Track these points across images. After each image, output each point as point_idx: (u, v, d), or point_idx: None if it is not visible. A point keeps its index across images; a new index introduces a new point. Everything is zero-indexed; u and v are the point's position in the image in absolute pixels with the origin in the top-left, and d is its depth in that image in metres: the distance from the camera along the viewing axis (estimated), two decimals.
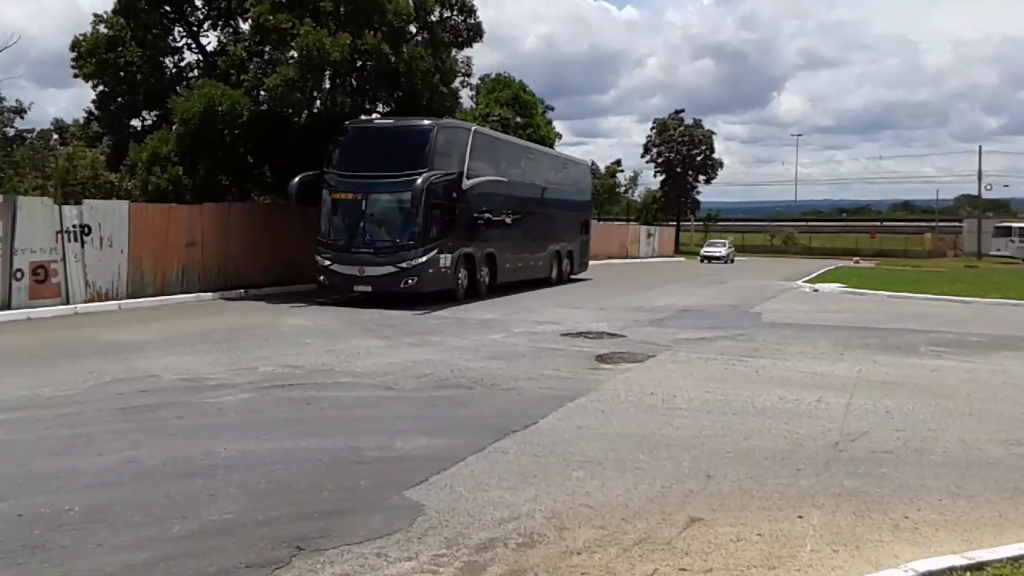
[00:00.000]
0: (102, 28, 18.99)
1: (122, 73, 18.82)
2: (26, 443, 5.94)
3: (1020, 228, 60.01)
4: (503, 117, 34.01)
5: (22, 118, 29.69)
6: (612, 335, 12.24)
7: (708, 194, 69.07)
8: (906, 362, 10.29)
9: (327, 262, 15.98)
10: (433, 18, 19.29)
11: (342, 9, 17.52)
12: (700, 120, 64.78)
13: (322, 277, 16.20)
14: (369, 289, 15.70)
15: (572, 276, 24.54)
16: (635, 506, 4.78)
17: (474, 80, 27.68)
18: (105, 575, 3.77)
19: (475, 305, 16.29)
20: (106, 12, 19.15)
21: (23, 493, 4.79)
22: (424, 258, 15.55)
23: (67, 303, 14.17)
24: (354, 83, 19.07)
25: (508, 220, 19.25)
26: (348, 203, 16.09)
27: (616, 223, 56.95)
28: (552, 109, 46.39)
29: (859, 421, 6.99)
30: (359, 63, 18.08)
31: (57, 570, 3.80)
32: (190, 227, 16.92)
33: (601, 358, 10.08)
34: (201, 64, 20.27)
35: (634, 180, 67.79)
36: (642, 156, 64.12)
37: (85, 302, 14.45)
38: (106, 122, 20.57)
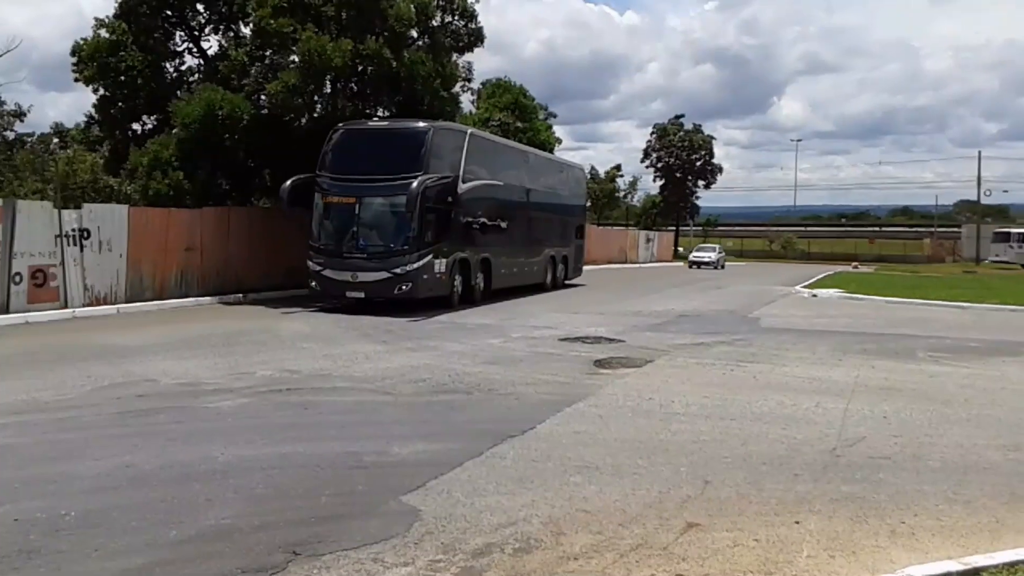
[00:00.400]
0: (103, 32, 19.03)
1: (123, 77, 18.84)
2: (23, 447, 5.94)
3: (1019, 234, 60.04)
4: (503, 122, 34.06)
5: (22, 121, 29.86)
6: (610, 340, 12.24)
7: (707, 199, 69.54)
8: (904, 367, 10.29)
9: (319, 267, 15.67)
10: (434, 23, 19.33)
11: (344, 14, 17.53)
12: (700, 125, 64.98)
13: (313, 283, 15.87)
14: (362, 295, 15.40)
15: (567, 282, 24.38)
16: (632, 511, 4.78)
17: (475, 85, 27.77)
18: None
19: (472, 310, 16.22)
20: (108, 16, 19.22)
21: (20, 497, 4.79)
22: (419, 264, 15.29)
23: (66, 307, 14.17)
24: (355, 88, 19.08)
25: (503, 225, 18.86)
26: (341, 207, 15.76)
27: (615, 228, 57.05)
28: (555, 116, 46.56)
29: (857, 426, 6.99)
30: (360, 68, 18.09)
31: (53, 575, 3.79)
32: (189, 231, 16.94)
33: (599, 363, 10.08)
34: (202, 68, 20.31)
35: (634, 185, 68.14)
36: (642, 161, 64.42)
37: (84, 306, 14.46)
38: (106, 126, 20.61)
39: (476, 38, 20.37)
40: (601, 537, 4.38)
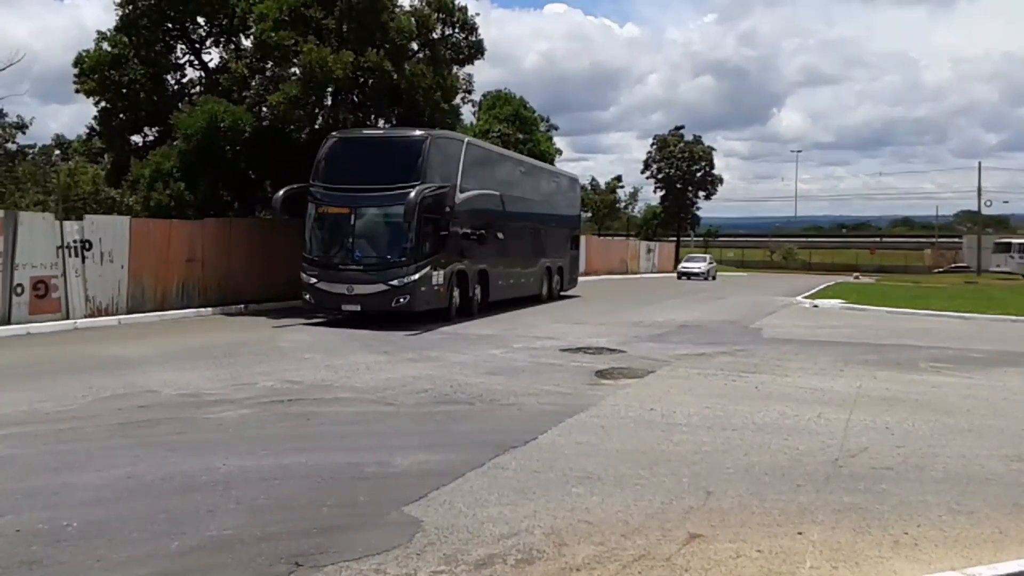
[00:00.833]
0: (105, 45, 19.09)
1: (124, 90, 18.90)
2: (25, 458, 5.93)
3: (1020, 244, 60.15)
4: (503, 133, 34.21)
5: (24, 133, 29.96)
6: (612, 350, 12.24)
7: (708, 210, 69.33)
8: (906, 378, 10.28)
9: (313, 280, 15.21)
10: (435, 36, 19.45)
11: (345, 27, 17.62)
12: (700, 136, 65.16)
13: (307, 296, 15.41)
14: (358, 308, 14.98)
15: (562, 293, 24.08)
16: (634, 522, 4.77)
17: (475, 97, 27.86)
18: None
19: (471, 322, 16.12)
20: (109, 29, 19.29)
21: (22, 508, 4.79)
22: (417, 275, 14.89)
23: (67, 318, 14.19)
24: (356, 100, 19.17)
25: (500, 235, 18.55)
26: (335, 217, 15.33)
27: (616, 239, 57.13)
28: (556, 128, 46.77)
29: (859, 437, 6.98)
30: (361, 80, 18.16)
31: None
32: (191, 242, 16.98)
33: (601, 373, 10.07)
34: (203, 81, 20.39)
35: (634, 196, 68.44)
36: (642, 172, 64.55)
37: (85, 317, 14.48)
38: (108, 138, 20.65)
39: (476, 50, 20.48)
40: (603, 548, 4.37)
